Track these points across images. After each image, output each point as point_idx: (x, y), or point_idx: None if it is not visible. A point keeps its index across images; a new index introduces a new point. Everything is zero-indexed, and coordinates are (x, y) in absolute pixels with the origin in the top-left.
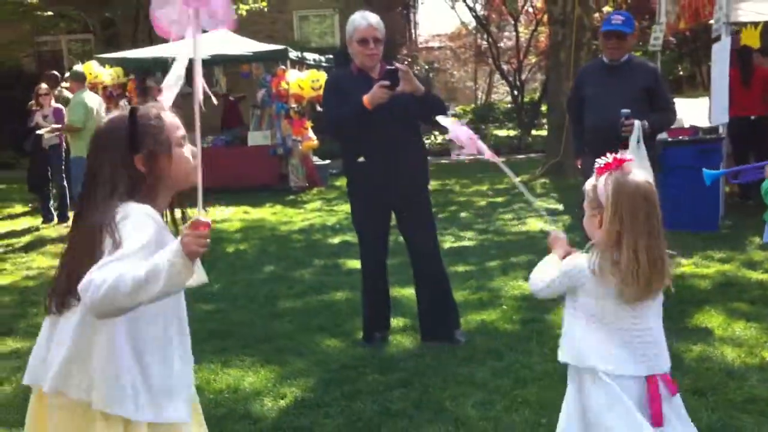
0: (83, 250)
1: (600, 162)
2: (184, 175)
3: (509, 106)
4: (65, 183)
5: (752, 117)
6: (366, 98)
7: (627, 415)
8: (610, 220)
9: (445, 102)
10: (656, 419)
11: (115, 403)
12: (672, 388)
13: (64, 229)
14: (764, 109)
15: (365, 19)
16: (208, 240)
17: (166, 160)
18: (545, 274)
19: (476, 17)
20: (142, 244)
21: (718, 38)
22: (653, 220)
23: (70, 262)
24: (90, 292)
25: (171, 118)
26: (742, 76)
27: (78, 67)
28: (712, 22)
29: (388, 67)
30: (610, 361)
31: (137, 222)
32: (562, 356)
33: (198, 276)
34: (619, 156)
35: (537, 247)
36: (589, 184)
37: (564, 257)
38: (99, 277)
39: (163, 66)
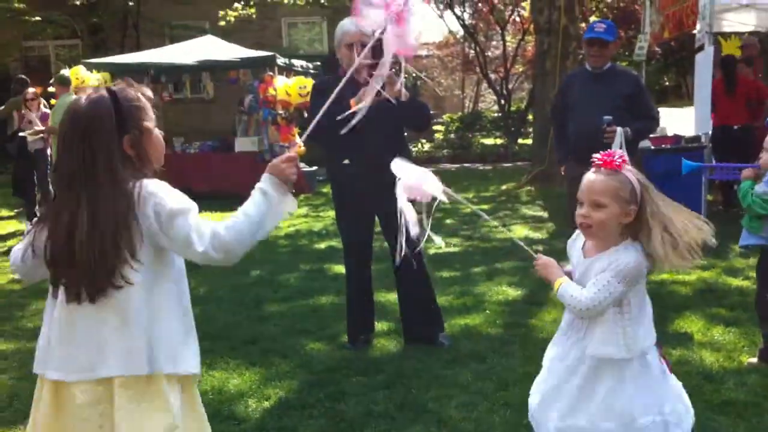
0: (112, 236)
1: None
2: (160, 155)
3: (496, 114)
4: (50, 187)
5: (735, 126)
6: (353, 102)
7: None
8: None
9: (431, 110)
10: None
11: (182, 362)
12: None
13: None
14: (748, 118)
15: (355, 24)
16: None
17: (149, 141)
18: (587, 294)
19: (464, 26)
20: (186, 197)
21: (701, 48)
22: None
23: (93, 249)
24: (221, 244)
25: (147, 99)
26: (726, 85)
27: (64, 72)
28: (695, 32)
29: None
30: (652, 337)
31: (160, 187)
32: (611, 351)
33: (292, 204)
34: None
35: (521, 254)
36: (619, 183)
37: (560, 276)
38: (216, 230)
39: (148, 70)
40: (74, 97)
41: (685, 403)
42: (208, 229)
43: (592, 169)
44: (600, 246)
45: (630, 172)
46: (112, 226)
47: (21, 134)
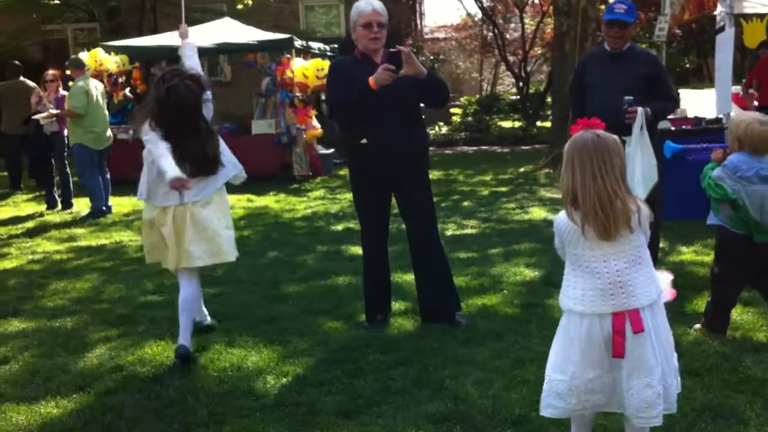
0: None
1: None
2: None
3: (514, 97)
4: (68, 170)
5: None
6: (371, 79)
7: (571, 346)
8: (564, 171)
9: (450, 91)
10: (617, 351)
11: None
12: (636, 327)
13: (68, 216)
14: None
15: (370, 4)
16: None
17: None
18: None
19: (482, 8)
20: None
21: (722, 29)
22: (603, 168)
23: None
24: None
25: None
26: None
27: (82, 55)
28: (716, 13)
29: (391, 50)
30: (587, 305)
31: None
32: (561, 302)
33: None
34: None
35: (539, 235)
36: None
37: None
38: None
39: (167, 54)
40: (91, 79)
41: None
42: None
43: None
44: None
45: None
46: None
47: (34, 117)
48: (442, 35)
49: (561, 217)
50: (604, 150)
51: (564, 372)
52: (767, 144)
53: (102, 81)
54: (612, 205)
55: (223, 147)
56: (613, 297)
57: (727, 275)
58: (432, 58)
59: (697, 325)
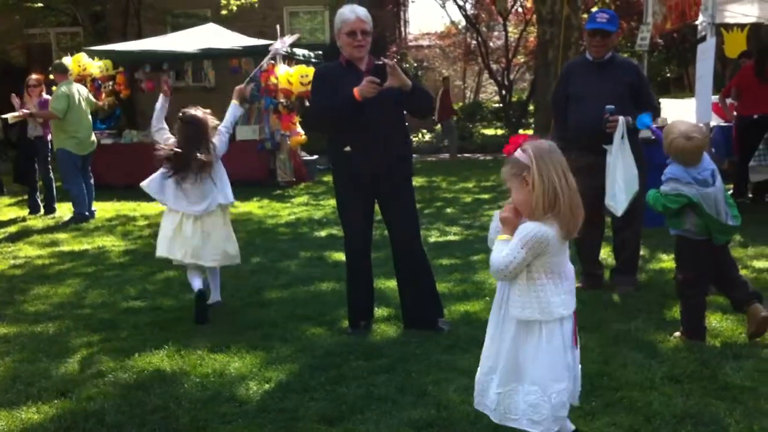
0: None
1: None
2: None
3: (497, 105)
4: (51, 175)
5: (755, 115)
6: (356, 91)
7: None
8: (538, 179)
9: (433, 98)
10: (575, 341)
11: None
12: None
13: (50, 221)
14: None
15: (353, 12)
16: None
17: None
18: (502, 256)
19: (466, 16)
20: None
21: (703, 39)
22: (567, 170)
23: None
24: None
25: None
26: (758, 71)
27: (65, 60)
28: (697, 23)
29: (376, 62)
30: (567, 306)
31: None
32: (527, 314)
33: None
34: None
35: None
36: (509, 165)
37: (508, 235)
38: None
39: (151, 59)
40: (74, 84)
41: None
42: None
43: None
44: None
45: (519, 149)
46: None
47: (2, 117)
48: (426, 43)
49: (546, 230)
50: (561, 153)
51: (563, 380)
52: (693, 157)
53: (85, 86)
54: (580, 203)
55: (222, 173)
56: (573, 294)
57: (693, 282)
58: (416, 65)
59: (677, 333)
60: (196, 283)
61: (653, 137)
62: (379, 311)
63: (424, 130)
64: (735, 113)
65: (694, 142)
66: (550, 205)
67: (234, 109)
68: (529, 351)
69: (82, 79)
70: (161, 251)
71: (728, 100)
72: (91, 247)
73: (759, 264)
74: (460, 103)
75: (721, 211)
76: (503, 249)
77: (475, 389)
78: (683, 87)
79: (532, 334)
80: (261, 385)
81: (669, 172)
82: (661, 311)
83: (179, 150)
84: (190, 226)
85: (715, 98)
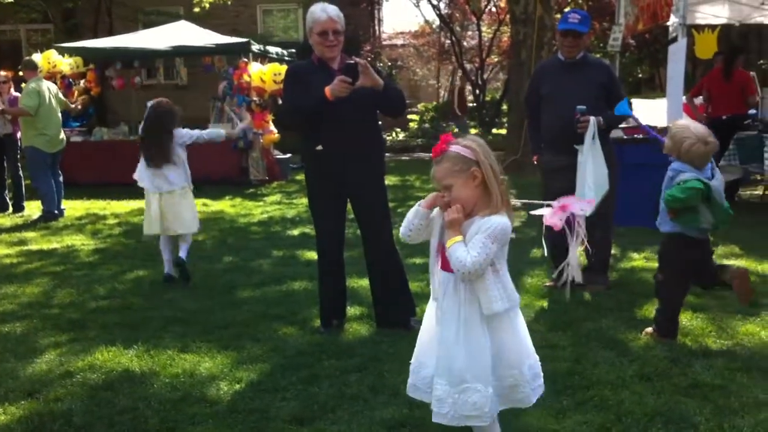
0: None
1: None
2: None
3: (471, 104)
4: (20, 173)
5: (723, 116)
6: (327, 90)
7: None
8: (493, 174)
9: (407, 99)
10: None
11: None
12: None
13: (19, 219)
14: (741, 108)
15: (325, 11)
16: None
17: None
18: (472, 255)
19: (440, 16)
20: None
21: (674, 40)
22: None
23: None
24: None
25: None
26: (725, 71)
27: (35, 56)
28: (669, 24)
29: (348, 61)
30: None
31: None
32: (500, 306)
33: None
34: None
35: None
36: (449, 161)
37: (459, 235)
38: None
39: (122, 56)
40: (44, 81)
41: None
42: None
43: (434, 162)
44: (475, 210)
45: (456, 145)
46: None
47: None
48: (400, 42)
49: (507, 221)
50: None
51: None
52: (706, 160)
53: (55, 83)
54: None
55: (184, 160)
56: None
57: (677, 281)
58: (390, 64)
59: (649, 329)
60: (166, 255)
61: (629, 132)
62: (352, 310)
63: (398, 129)
64: (705, 114)
65: (711, 146)
66: (502, 195)
67: (217, 132)
68: (506, 340)
69: (52, 77)
70: (144, 231)
71: (698, 101)
72: (60, 245)
73: (729, 263)
74: (434, 103)
75: (723, 202)
76: (466, 249)
77: (416, 380)
78: (655, 87)
79: (502, 324)
80: (232, 385)
81: (678, 167)
82: (632, 310)
83: (143, 136)
84: (157, 203)
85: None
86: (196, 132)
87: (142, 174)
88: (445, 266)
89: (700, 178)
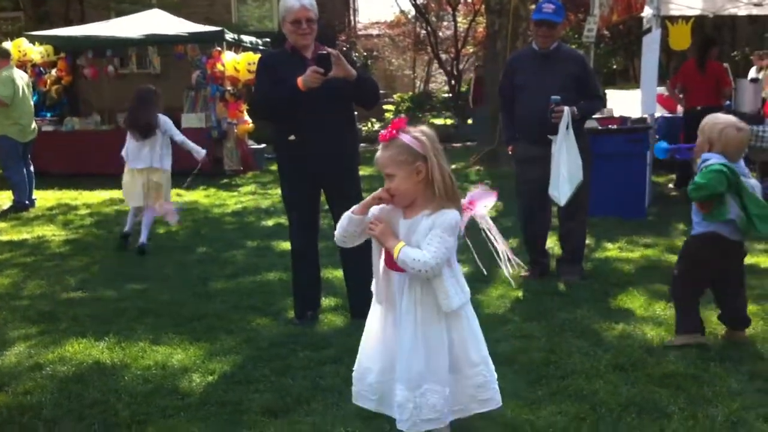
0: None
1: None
2: None
3: (447, 95)
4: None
5: (698, 107)
6: (299, 80)
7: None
8: (442, 164)
9: (381, 89)
10: None
11: None
12: None
13: None
14: (716, 100)
15: (298, 0)
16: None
17: None
18: (431, 251)
19: (415, 6)
20: None
21: (648, 31)
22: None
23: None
24: None
25: None
26: (698, 62)
27: (5, 45)
28: (643, 15)
29: (320, 51)
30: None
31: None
32: (458, 301)
33: None
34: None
35: (468, 230)
36: (396, 149)
37: (398, 241)
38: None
39: (93, 44)
40: (16, 70)
41: None
42: None
43: (380, 146)
44: (419, 205)
45: (406, 135)
46: None
47: None
48: (375, 32)
49: (457, 215)
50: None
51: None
52: (739, 150)
53: (26, 71)
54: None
55: (166, 145)
56: None
57: (690, 276)
58: (365, 54)
59: (670, 339)
60: (128, 226)
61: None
62: (326, 301)
63: (373, 119)
64: (680, 107)
65: (744, 132)
66: (447, 192)
67: (197, 149)
68: (466, 337)
69: (22, 65)
70: (128, 202)
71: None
72: (30, 236)
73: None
74: (410, 93)
75: (759, 196)
76: (419, 249)
77: (362, 388)
78: (629, 78)
79: (460, 321)
80: (204, 377)
81: (707, 155)
82: (606, 300)
83: (132, 108)
84: (136, 178)
85: (660, 89)
86: (180, 135)
87: (129, 151)
88: (393, 266)
89: (724, 163)
